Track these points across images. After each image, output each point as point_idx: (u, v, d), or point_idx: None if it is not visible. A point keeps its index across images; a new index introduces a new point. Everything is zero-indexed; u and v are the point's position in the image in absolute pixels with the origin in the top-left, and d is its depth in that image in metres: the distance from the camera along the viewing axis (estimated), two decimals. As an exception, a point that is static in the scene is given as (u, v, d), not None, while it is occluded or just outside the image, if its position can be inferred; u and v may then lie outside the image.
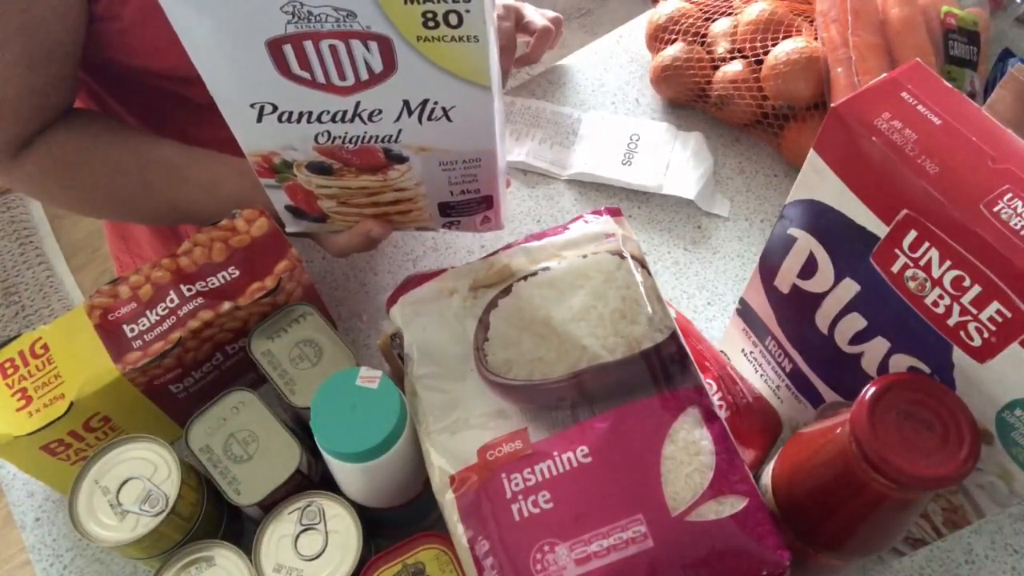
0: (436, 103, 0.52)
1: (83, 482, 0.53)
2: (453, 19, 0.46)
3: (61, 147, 0.64)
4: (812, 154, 0.45)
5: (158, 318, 0.58)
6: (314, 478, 0.57)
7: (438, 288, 0.55)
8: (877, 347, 0.47)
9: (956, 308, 0.40)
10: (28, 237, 2.02)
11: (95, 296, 0.59)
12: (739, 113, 0.81)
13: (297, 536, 0.52)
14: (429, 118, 0.53)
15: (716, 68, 0.82)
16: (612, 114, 0.87)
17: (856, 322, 0.48)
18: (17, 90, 0.59)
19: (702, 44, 0.84)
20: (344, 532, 0.52)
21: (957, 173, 0.39)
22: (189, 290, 0.59)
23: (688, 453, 0.46)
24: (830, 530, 0.45)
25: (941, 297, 0.41)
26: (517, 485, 0.46)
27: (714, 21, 0.85)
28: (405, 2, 0.46)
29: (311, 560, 0.51)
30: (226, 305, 0.58)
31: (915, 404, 0.40)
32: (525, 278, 0.54)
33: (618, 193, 0.80)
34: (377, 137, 0.55)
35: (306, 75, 0.50)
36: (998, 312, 0.39)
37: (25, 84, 0.59)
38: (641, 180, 0.79)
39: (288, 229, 0.66)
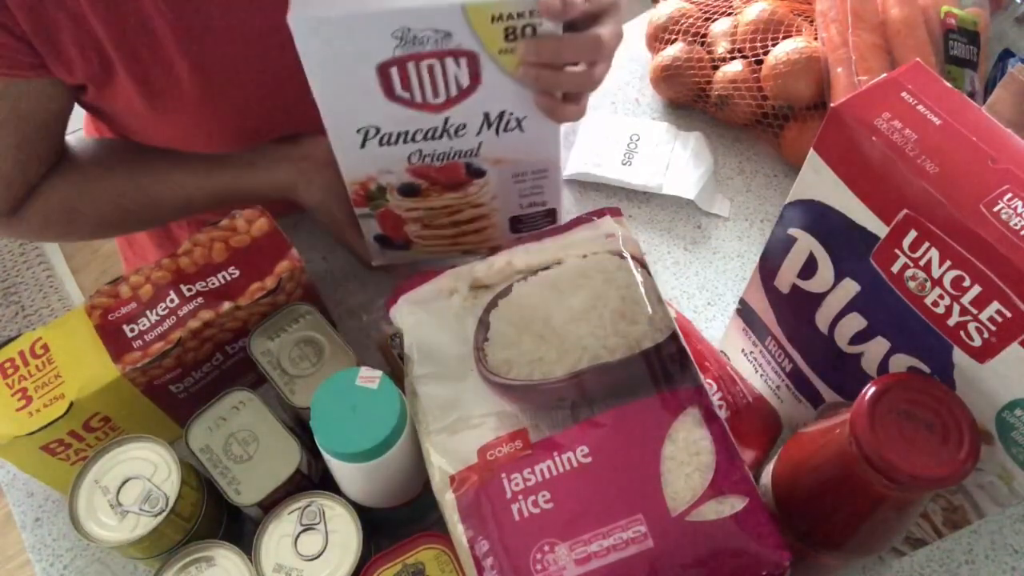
0: (511, 114, 0.57)
1: (83, 482, 0.53)
2: (529, 32, 0.51)
3: (57, 194, 0.67)
4: (812, 154, 0.45)
5: (158, 318, 0.58)
6: (314, 478, 0.57)
7: (438, 288, 0.55)
8: (877, 347, 0.47)
9: (956, 308, 0.40)
10: (28, 237, 2.02)
11: (95, 296, 0.59)
12: (739, 113, 0.81)
13: (297, 536, 0.52)
14: (505, 129, 0.58)
15: (716, 68, 0.82)
16: (612, 114, 0.87)
17: (856, 322, 0.48)
18: (7, 167, 0.63)
19: (702, 44, 0.84)
20: (344, 532, 0.52)
21: (957, 173, 0.39)
22: (189, 290, 0.59)
23: (688, 453, 0.46)
24: (830, 530, 0.45)
25: (941, 297, 0.41)
26: (517, 485, 0.46)
27: (714, 21, 0.85)
28: (492, 20, 0.50)
29: (311, 560, 0.51)
30: (226, 305, 0.58)
31: (915, 404, 0.40)
32: (525, 278, 0.54)
33: (618, 193, 0.80)
34: (461, 152, 0.60)
35: (407, 95, 0.55)
36: (998, 312, 0.39)
37: (15, 160, 0.63)
38: (641, 180, 0.79)
39: (374, 263, 0.70)
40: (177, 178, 0.68)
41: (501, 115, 0.57)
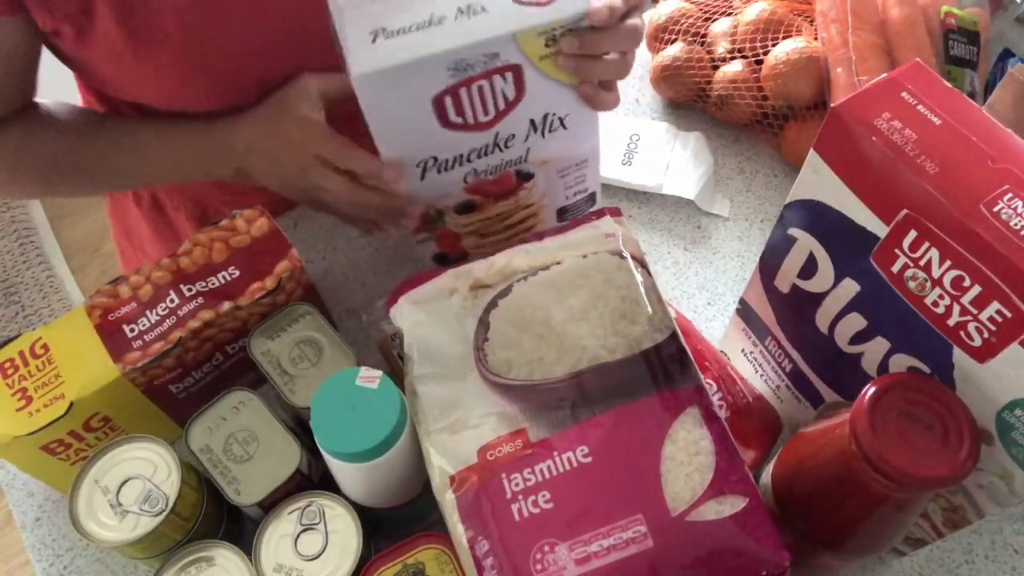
0: (554, 114, 0.59)
1: (83, 482, 0.53)
2: (567, 33, 0.53)
3: (7, 147, 0.65)
4: (812, 154, 0.45)
5: (158, 318, 0.58)
6: (314, 478, 0.57)
7: (438, 288, 0.55)
8: (877, 347, 0.47)
9: (956, 308, 0.40)
10: (28, 237, 2.02)
11: (95, 296, 0.59)
12: (739, 113, 0.81)
13: (297, 536, 0.52)
14: (550, 130, 0.60)
15: (716, 68, 0.82)
16: (612, 114, 0.87)
17: (856, 322, 0.48)
18: None
19: (702, 44, 0.84)
20: (344, 532, 0.52)
21: (957, 173, 0.39)
22: (189, 290, 0.59)
23: (688, 453, 0.46)
24: (830, 530, 0.45)
25: (941, 297, 0.41)
26: (517, 485, 0.46)
27: (714, 21, 0.85)
28: (538, 34, 0.53)
29: (311, 560, 0.51)
30: (226, 305, 0.58)
31: (915, 404, 0.40)
32: (525, 278, 0.54)
33: (618, 193, 0.80)
34: (511, 161, 0.61)
35: (460, 120, 0.56)
36: (998, 312, 0.39)
37: None
38: (641, 180, 0.79)
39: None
40: (133, 136, 0.67)
41: (545, 117, 0.59)
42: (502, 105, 0.57)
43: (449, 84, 0.54)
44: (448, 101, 0.55)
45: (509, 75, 0.55)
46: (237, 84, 0.65)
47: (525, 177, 0.63)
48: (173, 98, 0.66)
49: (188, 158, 0.67)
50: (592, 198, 0.70)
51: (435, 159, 0.59)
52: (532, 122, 0.59)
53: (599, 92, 0.59)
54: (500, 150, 0.60)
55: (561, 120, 0.60)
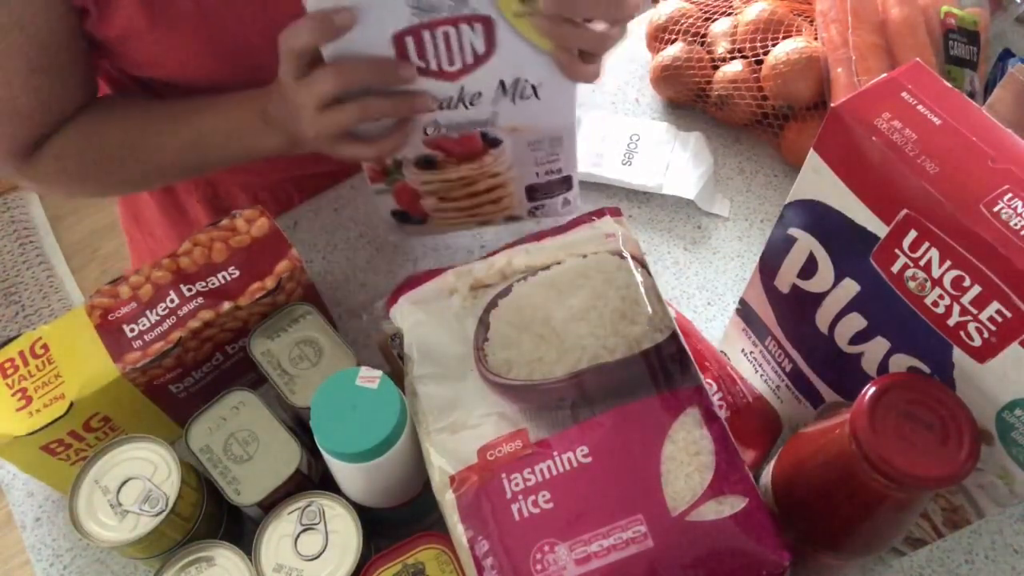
0: (527, 81, 0.56)
1: (83, 482, 0.53)
2: None
3: (72, 143, 0.65)
4: (812, 154, 0.45)
5: (158, 318, 0.58)
6: (314, 478, 0.57)
7: (438, 288, 0.55)
8: (877, 347, 0.47)
9: (956, 308, 0.40)
10: (28, 237, 2.02)
11: (95, 296, 0.59)
12: (739, 113, 0.81)
13: (297, 536, 0.52)
14: (521, 96, 0.57)
15: (716, 68, 0.82)
16: (612, 114, 0.87)
17: (856, 322, 0.48)
18: (18, 92, 0.60)
19: (702, 44, 0.84)
20: (344, 532, 0.52)
21: (957, 173, 0.39)
22: (189, 290, 0.59)
23: (688, 453, 0.46)
24: (830, 530, 0.45)
25: (941, 297, 0.41)
26: (517, 485, 0.46)
27: (714, 21, 0.85)
28: None
29: (311, 560, 0.51)
30: (226, 305, 0.58)
31: (915, 404, 0.40)
32: (525, 278, 0.54)
33: (618, 193, 0.80)
34: (477, 122, 0.59)
35: (422, 64, 0.54)
36: (998, 312, 0.39)
37: (26, 86, 0.60)
38: (641, 180, 0.79)
39: (392, 237, 0.70)
40: (166, 124, 0.66)
41: (516, 82, 0.56)
42: (470, 59, 0.54)
43: (412, 23, 0.51)
44: (410, 42, 0.52)
45: (479, 27, 0.52)
46: (253, 59, 0.64)
47: (492, 143, 0.61)
48: (192, 73, 0.66)
49: (245, 124, 0.65)
50: (567, 182, 0.67)
51: None
52: (502, 84, 0.56)
53: (575, 62, 0.54)
54: (465, 107, 0.57)
55: (534, 88, 0.56)
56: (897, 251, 0.42)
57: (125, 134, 0.66)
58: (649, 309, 0.51)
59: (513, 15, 0.51)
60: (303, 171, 0.81)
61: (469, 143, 0.60)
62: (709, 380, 0.58)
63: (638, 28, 0.91)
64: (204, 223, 0.80)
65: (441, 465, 0.48)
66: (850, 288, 0.47)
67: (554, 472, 0.46)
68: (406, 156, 0.61)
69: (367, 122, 0.57)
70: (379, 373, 0.50)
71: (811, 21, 0.81)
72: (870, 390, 0.40)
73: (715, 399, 0.57)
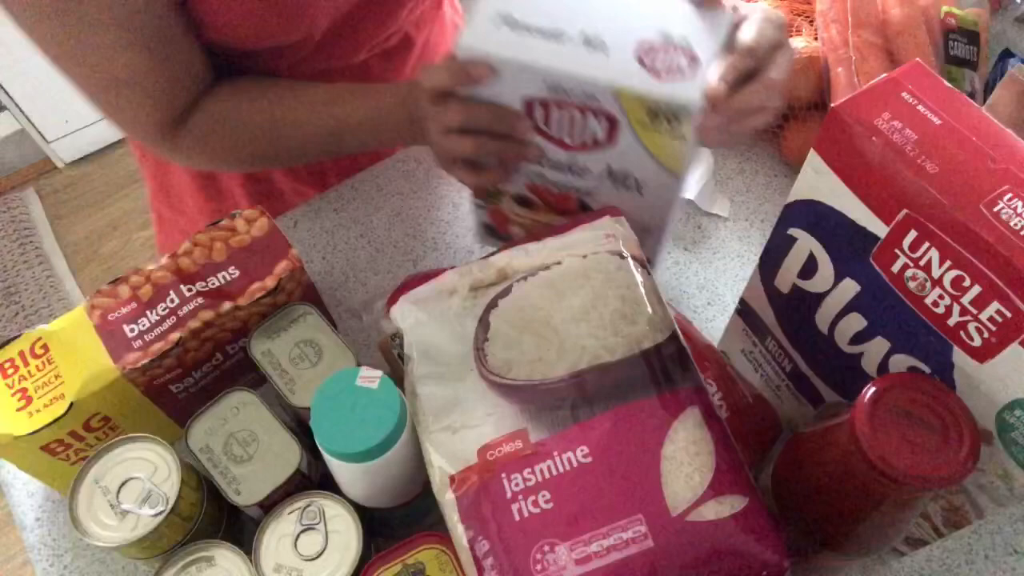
0: (634, 176, 0.58)
1: (83, 482, 0.53)
2: (673, 122, 0.52)
3: (216, 121, 0.68)
4: (812, 154, 0.45)
5: (158, 318, 0.58)
6: (314, 478, 0.57)
7: (438, 288, 0.55)
8: (877, 347, 0.47)
9: (956, 308, 0.40)
10: (28, 237, 2.02)
11: (95, 296, 0.59)
12: (739, 113, 0.81)
13: (297, 536, 0.52)
14: (624, 186, 0.60)
15: (716, 68, 0.82)
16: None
17: (856, 322, 0.48)
18: (141, 71, 0.62)
19: (702, 44, 0.84)
20: (344, 532, 0.52)
21: (957, 173, 0.39)
22: (189, 290, 0.59)
23: (688, 453, 0.46)
24: (830, 530, 0.45)
25: (941, 297, 0.41)
26: (517, 485, 0.46)
27: (714, 21, 0.85)
28: (640, 103, 0.52)
29: (311, 560, 0.51)
30: (226, 305, 0.58)
31: (915, 404, 0.40)
32: (525, 278, 0.54)
33: (618, 193, 0.80)
34: (578, 189, 0.62)
35: (544, 128, 0.57)
36: (998, 312, 0.39)
37: (148, 65, 0.61)
38: (641, 180, 0.79)
39: (478, 241, 0.75)
40: (306, 110, 0.69)
41: (625, 174, 0.59)
42: (588, 140, 0.57)
43: (543, 95, 0.54)
44: (538, 107, 0.56)
45: (604, 120, 0.55)
46: (305, 16, 0.66)
47: (585, 208, 0.63)
48: (243, 31, 0.67)
49: (393, 119, 0.68)
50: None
51: None
52: (610, 170, 0.59)
53: (728, 138, 0.56)
54: (572, 174, 0.60)
55: (639, 184, 0.59)
56: (897, 251, 0.42)
57: (266, 117, 0.69)
58: (649, 309, 0.51)
59: (639, 123, 0.54)
60: None
61: (565, 201, 0.63)
62: (709, 380, 0.58)
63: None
64: (239, 197, 0.84)
65: (441, 465, 0.48)
66: (850, 288, 0.47)
67: (554, 472, 0.46)
68: (507, 189, 0.64)
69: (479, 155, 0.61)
70: (379, 373, 0.50)
71: (811, 21, 0.81)
72: (870, 390, 0.40)
73: (715, 399, 0.57)
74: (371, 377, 0.50)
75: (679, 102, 0.51)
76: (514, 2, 0.55)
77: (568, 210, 0.64)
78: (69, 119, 2.06)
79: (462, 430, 0.49)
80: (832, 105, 0.42)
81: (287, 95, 0.70)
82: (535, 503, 0.45)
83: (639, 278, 0.52)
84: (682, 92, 0.51)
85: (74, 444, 0.58)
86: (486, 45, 0.54)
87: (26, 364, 0.57)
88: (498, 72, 0.54)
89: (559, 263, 0.54)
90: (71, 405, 0.55)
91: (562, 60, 0.53)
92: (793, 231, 0.49)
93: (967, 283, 0.39)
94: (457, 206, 0.80)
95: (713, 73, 0.52)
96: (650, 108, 0.52)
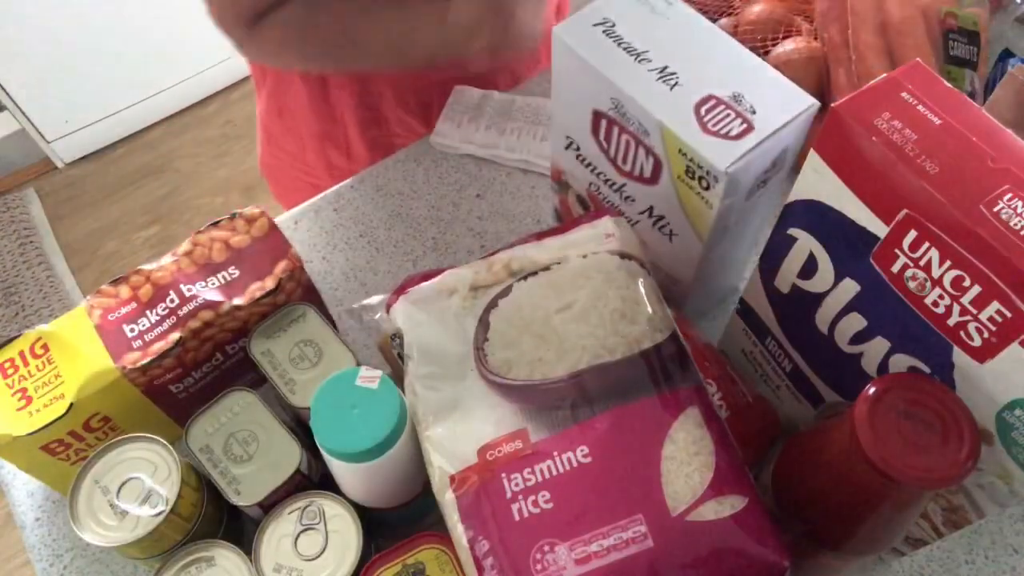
0: (668, 224, 0.59)
1: (83, 482, 0.53)
2: (704, 183, 0.52)
3: (293, 22, 0.71)
4: (812, 154, 0.45)
5: (158, 318, 0.58)
6: (314, 478, 0.57)
7: (438, 288, 0.55)
8: (877, 347, 0.47)
9: (956, 308, 0.40)
10: (28, 237, 2.02)
11: (95, 296, 0.59)
12: (739, 113, 0.81)
13: (297, 536, 0.52)
14: (659, 228, 0.60)
15: (716, 68, 0.82)
16: (612, 114, 0.87)
17: (856, 322, 0.48)
18: None
19: (702, 44, 0.84)
20: (344, 532, 0.52)
21: (957, 173, 0.39)
22: (189, 290, 0.59)
23: (688, 453, 0.46)
24: (830, 530, 0.45)
25: (941, 297, 0.41)
26: (517, 485, 0.46)
27: (714, 21, 0.85)
28: (679, 151, 0.52)
29: (311, 560, 0.51)
30: (226, 305, 0.58)
31: (915, 404, 0.40)
32: (525, 278, 0.54)
33: (618, 193, 0.80)
34: (625, 212, 0.63)
35: (604, 144, 0.59)
36: (998, 312, 0.39)
37: None
38: (641, 180, 0.79)
39: (550, 222, 0.78)
40: (378, 16, 0.72)
41: (661, 216, 0.59)
42: (636, 172, 0.57)
43: (608, 112, 0.56)
44: (603, 123, 0.57)
45: (652, 159, 0.55)
46: None
47: None
48: None
49: (458, 20, 0.71)
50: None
51: (578, 148, 0.62)
52: (651, 209, 0.59)
53: None
54: (620, 196, 0.61)
55: (671, 232, 0.59)
56: (897, 251, 0.42)
57: (341, 21, 0.73)
58: (649, 309, 0.51)
59: (677, 172, 0.53)
60: (448, 74, 0.87)
61: (614, 215, 0.64)
62: (709, 380, 0.58)
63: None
64: (350, 122, 0.87)
65: (441, 465, 0.48)
66: (850, 288, 0.47)
67: (554, 472, 0.46)
68: (573, 186, 0.67)
69: None
70: (379, 373, 0.50)
71: (811, 21, 0.80)
72: (870, 390, 0.40)
73: (715, 399, 0.56)
74: (371, 377, 0.50)
75: (708, 162, 0.50)
76: (644, 17, 0.55)
77: None
78: (69, 119, 2.07)
79: (462, 430, 0.49)
80: (832, 105, 0.42)
81: (357, 4, 0.73)
82: (535, 503, 0.45)
83: (639, 278, 0.52)
84: (715, 154, 0.50)
85: (74, 444, 0.58)
86: (578, 37, 0.54)
87: (26, 364, 0.57)
88: (579, 72, 0.55)
89: (559, 263, 0.54)
90: (71, 405, 0.55)
91: (631, 81, 0.52)
92: (793, 231, 0.49)
93: (967, 283, 0.39)
94: (457, 206, 0.80)
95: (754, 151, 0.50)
96: (687, 159, 0.51)
